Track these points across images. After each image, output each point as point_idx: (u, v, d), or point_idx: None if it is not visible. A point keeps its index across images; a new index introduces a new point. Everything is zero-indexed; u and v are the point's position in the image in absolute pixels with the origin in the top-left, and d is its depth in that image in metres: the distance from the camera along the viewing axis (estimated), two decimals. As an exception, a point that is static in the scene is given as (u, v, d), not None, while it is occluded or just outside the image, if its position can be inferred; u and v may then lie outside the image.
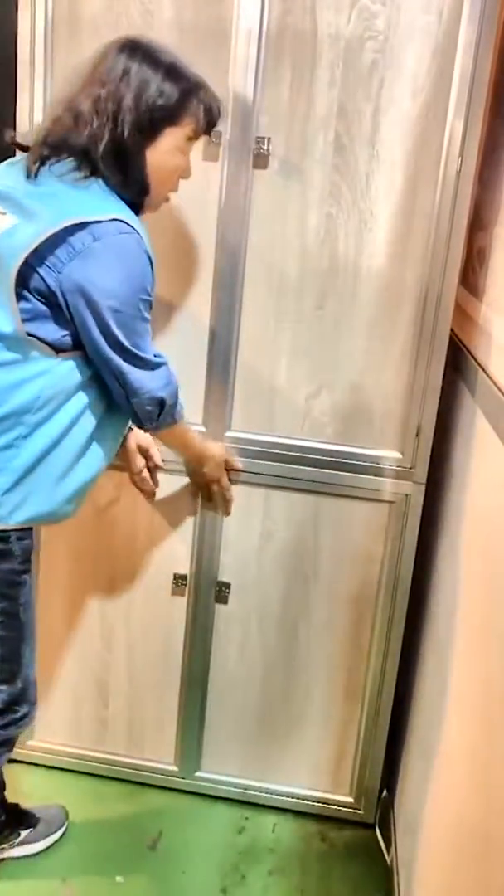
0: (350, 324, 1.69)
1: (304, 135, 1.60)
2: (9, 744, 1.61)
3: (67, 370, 1.37)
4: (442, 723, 1.48)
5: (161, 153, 1.35)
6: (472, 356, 1.55)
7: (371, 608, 1.84)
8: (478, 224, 1.68)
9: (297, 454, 1.77)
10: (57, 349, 1.35)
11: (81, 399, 1.41)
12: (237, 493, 1.81)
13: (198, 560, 1.86)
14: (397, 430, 1.73)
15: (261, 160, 1.62)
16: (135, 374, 1.40)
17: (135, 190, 1.36)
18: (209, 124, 1.39)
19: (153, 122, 1.32)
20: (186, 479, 1.82)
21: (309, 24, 1.55)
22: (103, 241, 1.29)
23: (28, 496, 1.41)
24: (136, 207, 1.38)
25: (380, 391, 1.72)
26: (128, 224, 1.31)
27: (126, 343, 1.36)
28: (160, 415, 1.49)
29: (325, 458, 1.76)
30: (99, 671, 1.98)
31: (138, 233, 1.33)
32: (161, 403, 1.47)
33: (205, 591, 1.88)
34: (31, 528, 1.47)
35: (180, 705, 1.96)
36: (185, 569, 1.88)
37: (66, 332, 1.35)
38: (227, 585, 1.87)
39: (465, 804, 1.23)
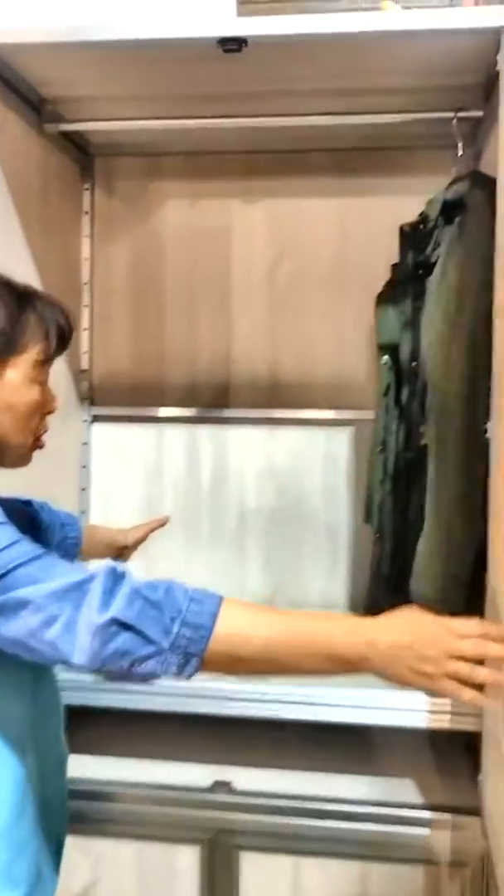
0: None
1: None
2: None
3: None
4: None
5: (5, 393, 1.05)
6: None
7: None
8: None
9: (330, 807, 1.35)
10: None
11: None
12: (252, 859, 1.36)
13: None
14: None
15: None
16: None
17: None
18: (61, 338, 1.09)
19: None
20: (184, 850, 1.37)
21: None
22: None
23: None
24: None
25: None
26: None
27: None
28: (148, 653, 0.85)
29: (363, 810, 1.34)
30: None
31: None
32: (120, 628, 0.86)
33: None
34: None
35: None
36: None
37: None
38: None
39: None
